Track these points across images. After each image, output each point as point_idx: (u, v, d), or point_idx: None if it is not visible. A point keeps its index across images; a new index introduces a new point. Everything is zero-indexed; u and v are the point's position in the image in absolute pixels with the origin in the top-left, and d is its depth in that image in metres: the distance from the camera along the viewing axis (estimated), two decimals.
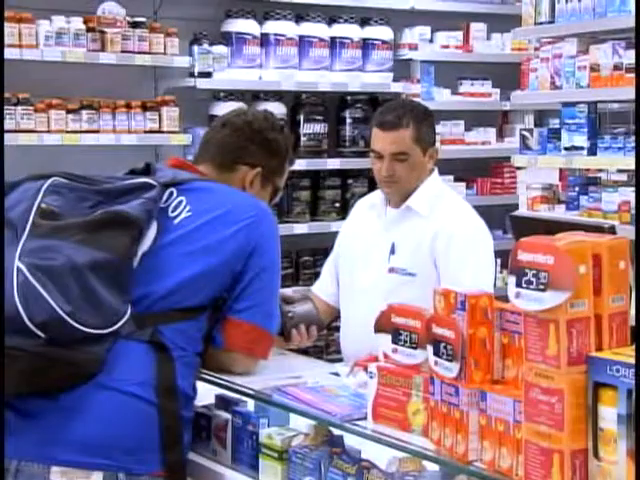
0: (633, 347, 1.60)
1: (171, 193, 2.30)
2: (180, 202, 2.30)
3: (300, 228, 5.07)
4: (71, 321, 2.03)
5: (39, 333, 2.02)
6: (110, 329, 2.10)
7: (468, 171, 5.86)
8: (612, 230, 2.93)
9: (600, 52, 4.30)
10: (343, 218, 4.97)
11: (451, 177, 5.67)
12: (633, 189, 4.37)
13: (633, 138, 4.35)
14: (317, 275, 5.08)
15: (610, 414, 1.53)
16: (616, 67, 4.25)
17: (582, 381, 1.56)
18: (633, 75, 4.16)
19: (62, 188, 2.22)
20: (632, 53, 4.22)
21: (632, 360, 1.51)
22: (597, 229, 2.71)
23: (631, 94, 4.06)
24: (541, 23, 4.56)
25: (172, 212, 2.29)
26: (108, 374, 2.11)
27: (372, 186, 5.17)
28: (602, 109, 4.54)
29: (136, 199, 2.21)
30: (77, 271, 2.07)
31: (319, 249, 5.15)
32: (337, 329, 5.34)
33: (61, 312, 2.02)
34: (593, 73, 4.34)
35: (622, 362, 1.53)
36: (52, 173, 2.25)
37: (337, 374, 2.42)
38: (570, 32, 4.47)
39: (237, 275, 2.27)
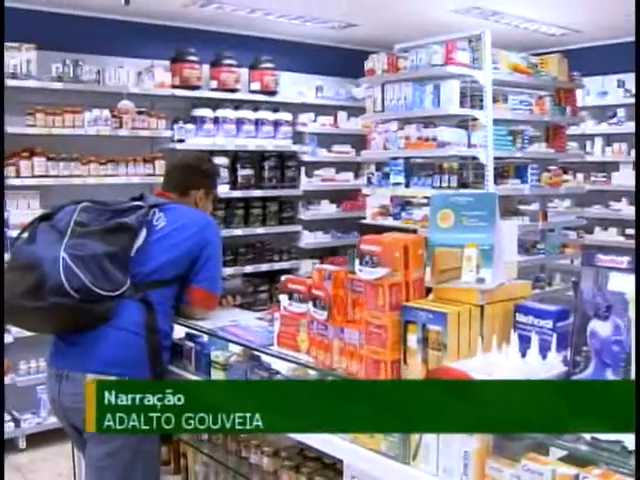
0: (426, 299, 1.71)
1: (154, 211, 2.43)
2: (160, 216, 2.43)
3: (237, 232, 5.63)
4: (93, 287, 2.16)
5: (74, 295, 2.14)
6: (117, 292, 2.23)
7: (338, 196, 6.42)
8: (415, 232, 3.25)
9: (410, 129, 4.97)
10: (264, 226, 5.68)
11: (327, 200, 6.34)
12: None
13: (431, 179, 4.73)
14: (249, 261, 5.41)
15: (413, 339, 1.62)
16: (419, 138, 4.87)
17: (398, 320, 1.65)
18: (429, 142, 4.69)
19: (89, 208, 2.37)
20: (428, 131, 4.66)
21: (425, 306, 1.63)
22: (408, 231, 2.70)
23: (428, 153, 4.79)
24: (377, 111, 5.17)
25: (155, 222, 2.42)
26: (116, 319, 2.27)
27: (281, 207, 5.89)
28: (412, 161, 5.11)
29: (133, 214, 2.36)
30: (97, 258, 2.20)
31: (249, 244, 5.81)
32: (263, 292, 5.32)
33: (87, 282, 2.16)
34: (406, 141, 4.98)
35: (420, 308, 1.62)
36: (84, 200, 2.41)
37: (259, 318, 2.51)
38: (393, 117, 5.12)
39: (195, 259, 2.43)
